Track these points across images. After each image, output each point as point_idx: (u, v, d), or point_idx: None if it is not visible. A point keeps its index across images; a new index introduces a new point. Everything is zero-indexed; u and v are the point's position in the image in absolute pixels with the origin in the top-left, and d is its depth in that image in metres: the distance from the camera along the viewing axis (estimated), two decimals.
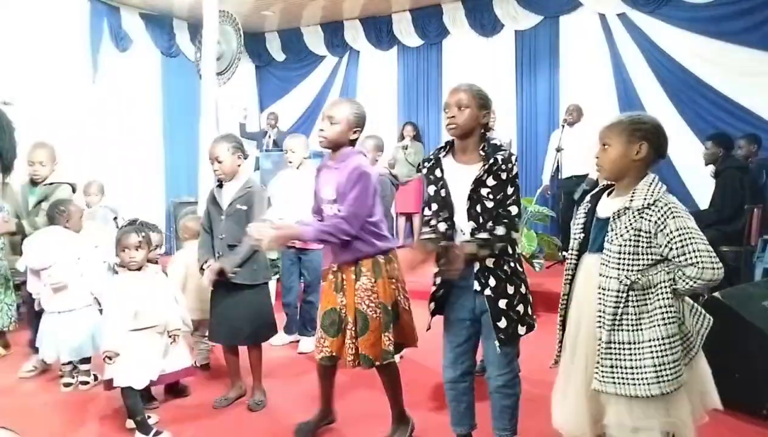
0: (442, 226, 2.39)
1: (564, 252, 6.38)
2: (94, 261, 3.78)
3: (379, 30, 8.51)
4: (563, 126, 6.47)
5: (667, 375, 1.94)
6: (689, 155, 6.13)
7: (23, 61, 6.41)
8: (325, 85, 9.14)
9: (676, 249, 1.93)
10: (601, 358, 2.02)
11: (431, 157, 2.44)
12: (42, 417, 3.32)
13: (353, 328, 2.66)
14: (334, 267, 2.74)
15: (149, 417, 3.09)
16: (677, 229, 1.93)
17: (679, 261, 1.94)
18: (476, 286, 2.33)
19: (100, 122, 7.18)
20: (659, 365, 1.94)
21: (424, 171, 2.42)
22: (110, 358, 2.95)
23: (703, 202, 5.48)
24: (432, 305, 2.47)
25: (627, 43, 6.75)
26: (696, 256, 1.91)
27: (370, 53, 8.77)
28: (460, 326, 2.44)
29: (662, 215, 1.95)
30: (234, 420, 3.24)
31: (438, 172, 2.39)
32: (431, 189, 2.40)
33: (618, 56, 6.82)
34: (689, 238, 1.92)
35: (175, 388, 3.54)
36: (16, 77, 6.38)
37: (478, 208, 2.31)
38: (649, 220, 1.96)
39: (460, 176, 2.35)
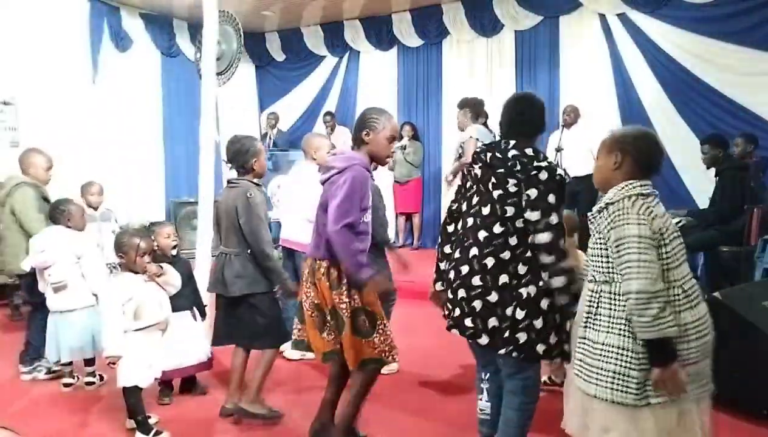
0: None
1: None
2: (95, 261, 3.77)
3: (379, 30, 8.50)
4: (563, 126, 6.47)
5: (621, 385, 1.96)
6: (689, 155, 6.13)
7: (23, 61, 6.42)
8: (325, 85, 9.14)
9: (616, 259, 1.97)
10: (576, 351, 2.12)
11: None
12: (42, 417, 3.32)
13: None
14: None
15: (149, 416, 3.10)
16: (615, 240, 1.96)
17: (621, 273, 1.97)
18: None
19: (100, 122, 7.18)
20: (617, 373, 1.97)
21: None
22: (113, 364, 2.97)
23: (703, 201, 5.48)
24: None
25: (627, 43, 6.74)
26: (624, 268, 1.93)
27: (370, 53, 8.76)
28: None
29: (608, 223, 2.00)
30: (235, 422, 3.23)
31: None
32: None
33: (618, 56, 6.81)
34: (623, 249, 1.94)
35: (191, 385, 3.59)
36: (17, 77, 6.40)
37: None
38: (600, 224, 2.04)
39: None
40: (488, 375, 2.56)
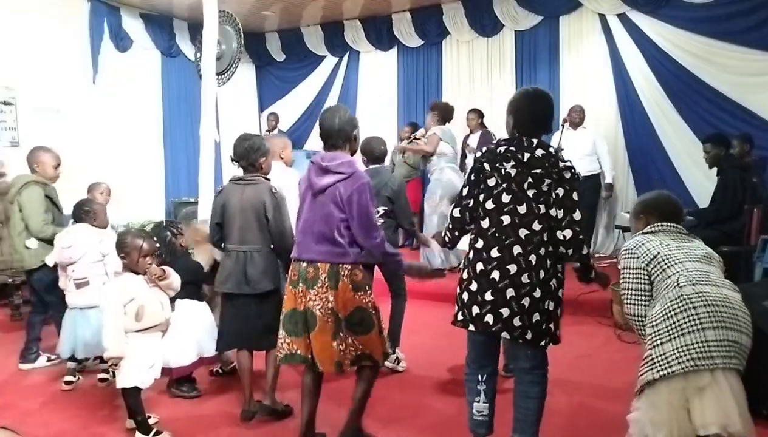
0: None
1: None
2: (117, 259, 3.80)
3: (379, 30, 8.50)
4: (563, 126, 6.47)
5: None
6: (689, 155, 6.13)
7: (23, 62, 6.42)
8: (325, 86, 9.13)
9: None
10: None
11: None
12: (42, 417, 3.32)
13: None
14: None
15: (149, 416, 3.10)
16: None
17: None
18: None
19: (100, 122, 7.19)
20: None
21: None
22: (115, 365, 2.97)
23: (703, 201, 5.48)
24: None
25: (627, 43, 6.74)
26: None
27: (370, 53, 8.76)
28: None
29: None
30: (234, 421, 3.23)
31: None
32: None
33: (618, 56, 6.82)
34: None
35: (188, 379, 3.60)
36: (17, 77, 6.40)
37: None
38: None
39: None
40: (485, 376, 2.59)
